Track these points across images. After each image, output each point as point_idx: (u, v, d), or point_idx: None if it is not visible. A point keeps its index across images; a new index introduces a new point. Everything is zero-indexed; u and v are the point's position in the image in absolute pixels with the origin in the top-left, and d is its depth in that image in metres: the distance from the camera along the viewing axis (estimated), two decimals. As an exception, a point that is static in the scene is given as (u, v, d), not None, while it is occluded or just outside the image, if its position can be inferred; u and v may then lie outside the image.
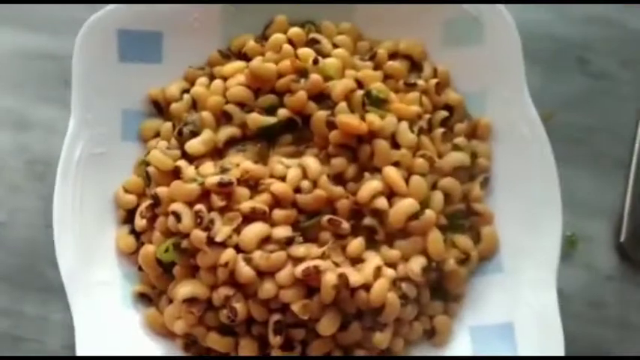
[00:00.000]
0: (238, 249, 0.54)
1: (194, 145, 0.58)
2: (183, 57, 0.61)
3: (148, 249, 0.57)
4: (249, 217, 0.55)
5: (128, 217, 0.59)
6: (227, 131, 0.58)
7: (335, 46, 0.61)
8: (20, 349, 0.60)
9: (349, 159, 0.57)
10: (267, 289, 0.53)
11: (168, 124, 0.60)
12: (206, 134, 0.58)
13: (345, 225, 0.55)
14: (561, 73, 0.67)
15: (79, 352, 0.55)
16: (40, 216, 0.62)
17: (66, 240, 0.56)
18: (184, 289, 0.55)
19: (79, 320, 0.55)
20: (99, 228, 0.58)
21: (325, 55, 0.59)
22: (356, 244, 0.56)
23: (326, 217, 0.55)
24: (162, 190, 0.57)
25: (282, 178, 0.56)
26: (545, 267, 0.57)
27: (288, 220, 0.55)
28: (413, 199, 0.56)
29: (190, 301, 0.55)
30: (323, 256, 0.54)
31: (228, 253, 0.54)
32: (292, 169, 0.56)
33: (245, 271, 0.53)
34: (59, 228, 0.56)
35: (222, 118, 0.59)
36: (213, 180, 0.55)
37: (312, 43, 0.60)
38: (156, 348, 0.57)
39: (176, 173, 0.57)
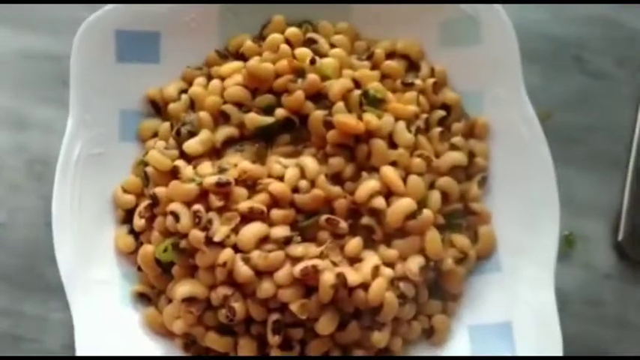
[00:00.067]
0: (236, 249, 0.54)
1: (192, 145, 0.58)
2: (180, 57, 0.61)
3: (147, 249, 0.57)
4: (248, 217, 0.55)
5: (127, 217, 0.59)
6: (225, 131, 0.58)
7: (332, 45, 0.61)
8: (20, 348, 0.60)
9: (347, 159, 0.57)
10: (266, 288, 0.53)
11: (166, 124, 0.60)
12: (204, 134, 0.58)
13: (343, 224, 0.55)
14: (559, 72, 0.67)
15: (79, 352, 0.55)
16: (40, 215, 0.62)
17: (65, 239, 0.56)
18: (183, 288, 0.55)
19: (79, 319, 0.55)
20: (98, 228, 0.58)
21: (322, 55, 0.59)
22: (354, 243, 0.56)
23: (324, 217, 0.55)
24: (160, 190, 0.57)
25: (280, 178, 0.56)
26: (543, 266, 0.57)
27: (286, 220, 0.55)
28: (410, 199, 0.56)
29: (189, 300, 0.55)
30: (321, 256, 0.54)
31: (227, 253, 0.54)
32: (290, 169, 0.56)
33: (243, 270, 0.53)
34: (58, 227, 0.56)
35: (220, 118, 0.59)
36: (211, 180, 0.55)
37: (309, 43, 0.60)
38: (155, 347, 0.57)
39: (174, 173, 0.57)
